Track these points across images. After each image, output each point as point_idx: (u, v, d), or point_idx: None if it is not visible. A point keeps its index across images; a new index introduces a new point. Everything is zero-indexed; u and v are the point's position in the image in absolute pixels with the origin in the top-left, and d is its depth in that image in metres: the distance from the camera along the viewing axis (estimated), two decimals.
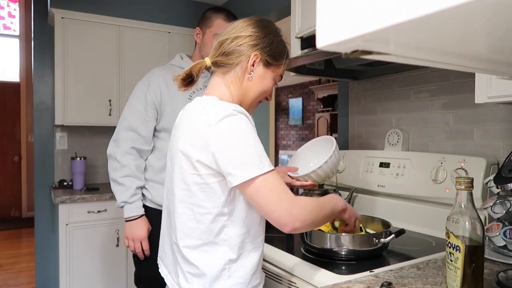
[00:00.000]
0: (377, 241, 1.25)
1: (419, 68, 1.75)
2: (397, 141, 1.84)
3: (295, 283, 1.21)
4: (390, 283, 1.00)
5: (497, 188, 1.22)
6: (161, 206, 1.69)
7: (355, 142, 2.16)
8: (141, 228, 1.67)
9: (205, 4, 3.64)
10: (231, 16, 1.79)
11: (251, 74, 1.10)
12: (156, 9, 3.43)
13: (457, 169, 1.48)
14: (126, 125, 1.70)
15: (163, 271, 1.20)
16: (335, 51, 0.35)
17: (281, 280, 1.27)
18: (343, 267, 1.20)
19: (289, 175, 1.45)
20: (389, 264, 1.21)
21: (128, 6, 3.31)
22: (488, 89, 1.15)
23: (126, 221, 1.70)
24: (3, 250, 5.01)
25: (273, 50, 1.11)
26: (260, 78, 1.12)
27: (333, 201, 1.14)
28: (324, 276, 1.14)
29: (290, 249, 1.39)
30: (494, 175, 1.27)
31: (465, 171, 1.45)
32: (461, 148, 1.63)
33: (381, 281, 1.02)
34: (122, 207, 1.70)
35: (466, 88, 1.60)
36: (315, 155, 1.54)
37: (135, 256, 1.76)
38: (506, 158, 1.25)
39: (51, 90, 3.18)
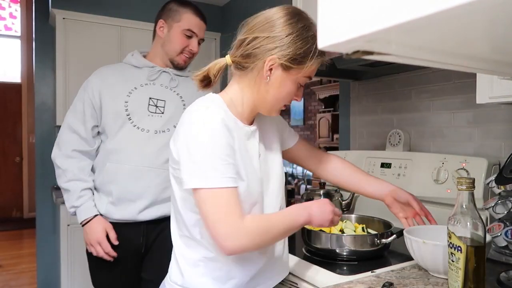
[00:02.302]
0: (378, 241, 1.25)
1: (420, 68, 1.74)
2: (399, 142, 1.84)
3: (296, 283, 1.21)
4: (391, 284, 1.00)
5: (499, 188, 1.22)
6: (106, 216, 1.56)
7: (356, 143, 2.16)
8: (96, 230, 1.52)
9: (206, 5, 3.64)
10: (199, 11, 1.67)
11: (267, 79, 1.01)
12: (157, 10, 3.42)
13: (458, 169, 1.47)
14: (67, 126, 1.60)
15: None
16: (337, 52, 0.35)
17: (282, 281, 1.27)
18: (345, 268, 1.20)
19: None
20: (390, 265, 1.21)
21: (129, 6, 3.31)
22: (489, 89, 1.14)
23: (82, 226, 1.57)
24: (5, 251, 5.02)
25: (294, 53, 0.98)
26: (278, 83, 1.02)
27: (292, 216, 1.02)
28: (326, 276, 1.13)
29: (291, 250, 1.39)
30: (495, 175, 1.27)
31: (467, 171, 1.45)
32: (462, 148, 1.63)
33: (382, 282, 1.02)
34: (74, 213, 1.57)
35: (467, 89, 1.59)
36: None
37: (90, 261, 1.63)
38: (508, 159, 1.25)
39: (52, 90, 3.18)
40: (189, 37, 1.63)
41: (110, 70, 1.64)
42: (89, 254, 1.61)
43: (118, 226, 1.56)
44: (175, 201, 1.06)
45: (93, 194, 1.59)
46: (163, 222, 1.57)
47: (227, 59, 1.05)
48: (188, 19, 1.63)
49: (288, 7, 1.04)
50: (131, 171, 1.53)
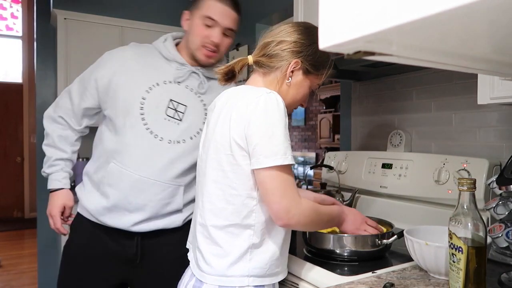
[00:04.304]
0: (379, 242, 1.25)
1: (421, 69, 1.74)
2: (400, 142, 1.84)
3: (297, 284, 1.21)
4: (392, 284, 1.00)
5: (500, 189, 1.22)
6: (92, 216, 1.42)
7: (357, 143, 2.16)
8: (54, 203, 1.51)
9: None
10: None
11: (289, 79, 1.12)
12: (158, 10, 3.43)
13: (459, 170, 1.47)
14: (68, 90, 1.53)
15: (190, 255, 1.22)
16: (338, 52, 0.35)
17: (283, 281, 1.26)
18: (346, 268, 1.20)
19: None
20: (391, 265, 1.21)
21: (130, 7, 3.32)
22: (490, 90, 1.14)
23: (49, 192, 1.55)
24: (6, 251, 5.02)
25: (315, 60, 1.13)
26: (298, 85, 1.14)
27: (333, 208, 1.18)
28: (327, 277, 1.13)
29: (292, 250, 1.39)
30: (496, 176, 1.27)
31: (468, 172, 1.45)
32: (463, 149, 1.63)
33: (383, 282, 1.02)
34: (47, 177, 1.57)
35: (469, 89, 1.59)
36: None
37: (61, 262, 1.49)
38: (509, 159, 1.25)
39: (53, 91, 3.19)
40: (210, 26, 1.38)
41: (139, 51, 1.46)
42: (64, 249, 1.51)
43: (109, 228, 1.41)
44: (224, 191, 1.06)
45: (71, 163, 1.59)
46: (162, 236, 1.43)
47: (249, 58, 1.15)
48: (208, 5, 1.38)
49: (306, 22, 1.19)
50: (135, 181, 1.35)
